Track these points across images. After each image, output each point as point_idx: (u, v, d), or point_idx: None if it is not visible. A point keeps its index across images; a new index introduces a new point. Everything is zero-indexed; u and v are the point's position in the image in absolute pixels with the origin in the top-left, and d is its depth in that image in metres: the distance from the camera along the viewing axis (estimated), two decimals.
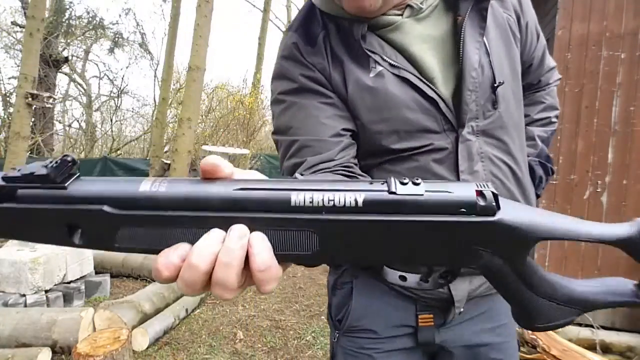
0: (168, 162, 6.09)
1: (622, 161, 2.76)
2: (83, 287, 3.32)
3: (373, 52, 0.69)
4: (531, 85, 0.90)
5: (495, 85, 0.69)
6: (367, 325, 0.78)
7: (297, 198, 0.35)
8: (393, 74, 0.69)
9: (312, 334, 3.02)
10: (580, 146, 2.78)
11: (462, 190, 0.36)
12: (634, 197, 2.73)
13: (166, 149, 8.95)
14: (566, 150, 2.79)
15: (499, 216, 0.36)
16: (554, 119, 0.91)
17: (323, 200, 0.34)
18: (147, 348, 2.64)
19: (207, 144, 7.83)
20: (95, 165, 7.15)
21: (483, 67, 0.68)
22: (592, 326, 2.61)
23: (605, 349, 2.50)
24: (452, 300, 0.73)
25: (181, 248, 0.34)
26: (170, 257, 0.34)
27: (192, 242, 0.34)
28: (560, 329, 2.53)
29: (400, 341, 0.78)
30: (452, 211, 0.35)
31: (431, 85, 0.69)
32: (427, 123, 0.70)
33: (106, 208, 0.34)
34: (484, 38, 0.68)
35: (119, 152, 10.87)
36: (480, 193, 0.36)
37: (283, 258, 0.36)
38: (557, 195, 2.83)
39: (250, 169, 9.34)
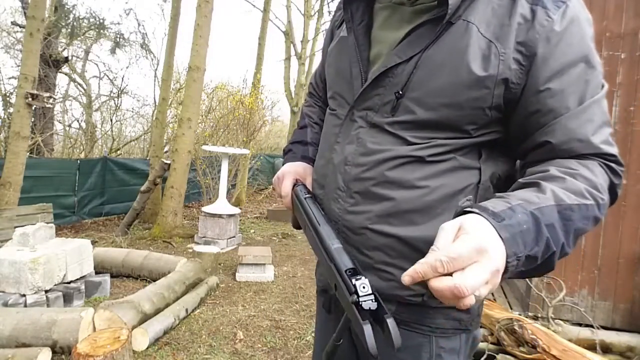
0: (168, 162, 6.09)
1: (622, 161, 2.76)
2: (83, 287, 3.32)
3: (349, 20, 0.79)
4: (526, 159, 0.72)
5: (397, 94, 0.70)
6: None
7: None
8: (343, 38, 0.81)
9: (312, 334, 3.02)
10: None
11: None
12: (634, 197, 2.73)
13: (166, 149, 8.93)
14: None
15: None
16: (593, 195, 0.60)
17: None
18: (147, 348, 2.64)
19: (207, 144, 7.82)
20: (95, 165, 7.14)
21: (400, 75, 0.70)
22: (592, 326, 2.61)
23: (605, 349, 2.49)
24: None
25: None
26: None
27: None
28: (560, 329, 2.54)
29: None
30: None
31: (362, 63, 0.76)
32: (344, 91, 0.81)
33: None
34: (423, 53, 0.68)
35: (119, 152, 10.85)
36: None
37: None
38: None
39: (250, 168, 9.31)
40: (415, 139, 0.70)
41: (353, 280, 0.57)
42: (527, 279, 2.93)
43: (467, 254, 0.47)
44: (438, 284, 0.47)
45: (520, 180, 0.63)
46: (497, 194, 0.58)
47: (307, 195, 0.82)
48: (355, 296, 0.55)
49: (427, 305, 0.74)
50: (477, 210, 0.52)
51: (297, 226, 0.88)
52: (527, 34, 0.63)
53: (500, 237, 0.49)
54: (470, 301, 0.46)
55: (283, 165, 0.96)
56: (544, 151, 0.66)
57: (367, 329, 0.52)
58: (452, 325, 0.75)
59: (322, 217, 0.75)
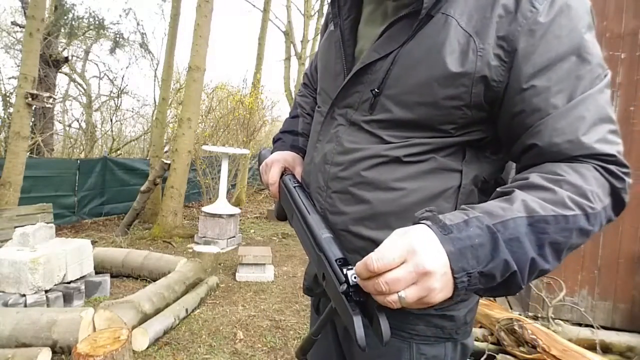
0: (168, 162, 6.09)
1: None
2: (83, 287, 3.32)
3: (336, 15, 0.76)
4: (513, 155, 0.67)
5: (374, 91, 0.68)
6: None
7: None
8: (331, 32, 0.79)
9: None
10: None
11: None
12: (634, 197, 2.73)
13: (166, 149, 8.94)
14: None
15: None
16: (578, 204, 0.54)
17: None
18: (147, 348, 2.64)
19: (207, 144, 7.82)
20: (95, 165, 7.14)
21: (378, 71, 0.67)
22: (592, 326, 2.61)
23: (605, 349, 2.49)
24: None
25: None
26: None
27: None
28: (560, 329, 2.54)
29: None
30: None
31: (344, 58, 0.74)
32: (328, 88, 0.78)
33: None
34: (401, 49, 0.65)
35: (119, 152, 10.85)
36: None
37: None
38: None
39: (250, 168, 9.28)
40: (391, 137, 0.67)
41: (344, 270, 0.54)
42: None
43: (397, 250, 0.47)
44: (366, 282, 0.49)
45: (498, 189, 0.59)
46: (463, 206, 0.55)
47: (296, 185, 0.79)
48: (346, 285, 0.53)
49: (406, 311, 0.72)
50: (427, 222, 0.50)
51: (281, 217, 0.85)
52: (508, 27, 0.58)
53: (445, 250, 0.47)
54: (392, 298, 0.47)
55: (272, 153, 0.93)
56: (532, 155, 0.61)
57: (357, 320, 0.49)
58: (433, 333, 0.72)
59: (312, 207, 0.73)
